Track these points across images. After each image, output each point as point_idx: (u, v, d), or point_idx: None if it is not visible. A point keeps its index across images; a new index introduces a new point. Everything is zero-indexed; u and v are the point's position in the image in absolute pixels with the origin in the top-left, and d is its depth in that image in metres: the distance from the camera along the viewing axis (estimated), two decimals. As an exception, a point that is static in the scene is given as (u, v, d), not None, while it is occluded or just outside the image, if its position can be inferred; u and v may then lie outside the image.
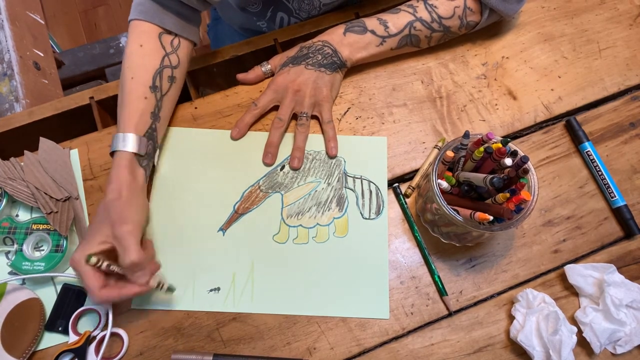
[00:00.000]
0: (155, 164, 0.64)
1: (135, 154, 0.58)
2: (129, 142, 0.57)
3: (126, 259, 0.51)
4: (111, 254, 0.53)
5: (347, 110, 0.70)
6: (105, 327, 0.56)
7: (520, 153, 0.53)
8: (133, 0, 0.62)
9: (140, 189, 0.58)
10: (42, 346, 0.57)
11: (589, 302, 0.59)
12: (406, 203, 0.64)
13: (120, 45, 1.48)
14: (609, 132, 0.69)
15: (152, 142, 0.61)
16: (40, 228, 0.60)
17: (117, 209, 0.54)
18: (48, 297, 0.59)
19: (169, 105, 0.64)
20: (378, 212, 0.64)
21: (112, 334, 0.57)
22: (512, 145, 0.54)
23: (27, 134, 0.70)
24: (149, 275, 0.54)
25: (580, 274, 0.59)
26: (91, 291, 0.52)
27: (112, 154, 0.58)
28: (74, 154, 0.67)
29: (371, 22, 0.68)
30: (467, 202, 0.56)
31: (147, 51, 0.61)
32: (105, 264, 0.52)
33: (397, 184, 0.66)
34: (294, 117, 0.68)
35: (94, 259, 0.51)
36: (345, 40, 0.67)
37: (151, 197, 0.64)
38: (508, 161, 0.52)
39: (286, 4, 0.78)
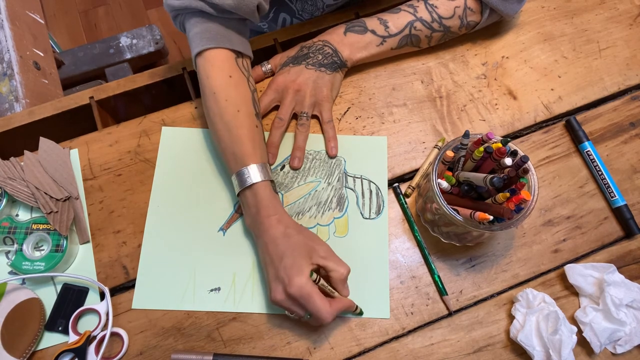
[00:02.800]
0: None
1: (270, 181, 0.58)
2: (265, 172, 0.57)
3: (344, 271, 0.54)
4: None
5: (347, 110, 0.70)
6: (105, 327, 0.56)
7: (520, 153, 0.53)
8: (191, 32, 0.59)
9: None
10: (42, 346, 0.57)
11: (589, 301, 0.59)
12: (406, 203, 0.64)
13: (120, 45, 1.48)
14: (609, 132, 0.69)
15: (270, 168, 0.61)
16: (40, 228, 0.60)
17: (303, 232, 0.55)
18: (48, 297, 0.59)
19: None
20: (378, 212, 0.64)
21: (112, 334, 0.57)
22: (512, 145, 0.54)
23: (27, 133, 0.70)
24: (348, 288, 0.56)
25: (580, 274, 0.59)
26: (324, 309, 0.51)
27: (245, 190, 0.57)
28: (74, 153, 0.67)
29: (371, 22, 0.68)
30: (467, 202, 0.56)
31: (237, 80, 0.59)
32: (320, 280, 0.53)
33: (397, 184, 0.66)
34: (294, 116, 0.68)
35: (314, 275, 0.52)
36: (346, 40, 0.67)
37: (151, 197, 0.64)
38: (508, 161, 0.52)
39: (289, 4, 0.78)
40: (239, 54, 0.61)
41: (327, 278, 0.55)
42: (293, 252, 0.53)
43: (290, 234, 0.54)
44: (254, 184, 0.56)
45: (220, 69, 0.59)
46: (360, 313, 0.59)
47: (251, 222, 0.58)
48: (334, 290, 0.55)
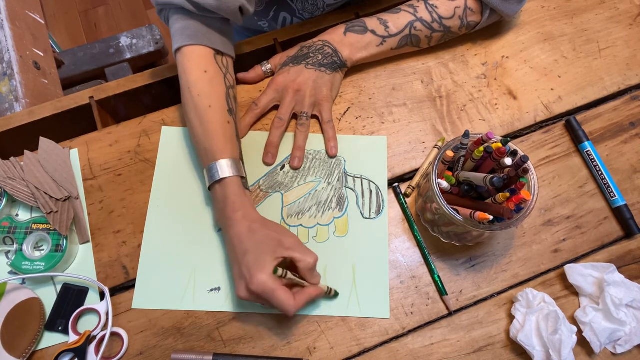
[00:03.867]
0: None
1: (240, 177, 0.58)
2: (232, 168, 0.57)
3: (311, 260, 0.54)
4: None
5: (347, 110, 0.70)
6: (105, 326, 0.56)
7: (520, 153, 0.53)
8: (173, 27, 0.60)
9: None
10: (42, 346, 0.57)
11: (589, 301, 0.59)
12: (406, 203, 0.64)
13: (120, 45, 1.48)
14: (609, 132, 0.69)
15: (243, 164, 0.61)
16: (40, 228, 0.60)
17: (268, 226, 0.55)
18: (48, 297, 0.59)
19: (238, 123, 0.64)
20: (378, 212, 0.64)
21: (112, 334, 0.57)
22: (512, 145, 0.54)
23: (27, 133, 0.70)
24: (319, 275, 0.57)
25: (580, 274, 0.59)
26: (287, 303, 0.51)
27: (214, 184, 0.57)
28: (74, 153, 0.67)
29: (372, 22, 0.68)
30: (467, 202, 0.56)
31: (212, 76, 0.60)
32: (287, 274, 0.53)
33: (397, 184, 0.66)
34: (294, 116, 0.68)
35: (280, 271, 0.52)
36: (346, 40, 0.67)
37: (151, 197, 0.64)
38: (508, 161, 0.52)
39: (290, 4, 0.78)
40: (218, 52, 0.62)
41: (296, 269, 0.55)
42: (256, 248, 0.53)
43: (255, 229, 0.54)
44: (222, 179, 0.57)
45: (196, 64, 0.60)
46: (336, 295, 0.59)
47: (219, 217, 0.59)
48: (303, 281, 0.55)
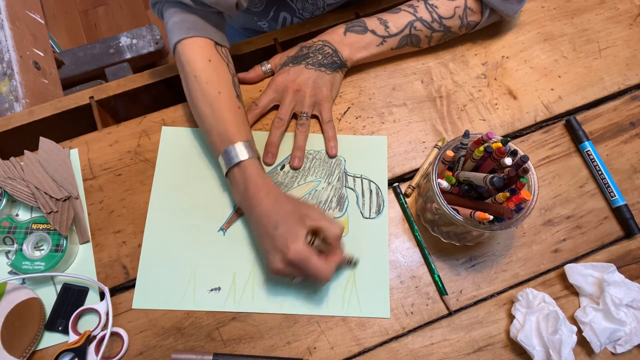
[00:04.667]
0: None
1: (257, 158, 0.59)
2: (251, 149, 0.58)
3: (337, 229, 0.55)
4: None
5: (347, 110, 0.70)
6: (105, 326, 0.56)
7: (520, 152, 0.53)
8: (170, 21, 0.61)
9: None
10: (42, 346, 0.57)
11: (589, 301, 0.59)
12: (406, 203, 0.64)
13: (120, 45, 1.48)
14: (609, 132, 0.69)
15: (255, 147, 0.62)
16: (40, 228, 0.60)
17: (292, 201, 0.57)
18: (48, 296, 0.59)
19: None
20: (378, 212, 0.64)
21: (112, 334, 0.57)
22: (512, 145, 0.54)
23: (27, 133, 0.70)
24: (343, 243, 0.58)
25: (580, 274, 0.59)
26: (324, 269, 0.53)
27: (232, 168, 0.58)
28: (74, 153, 0.67)
29: (371, 22, 0.68)
30: (467, 202, 0.56)
31: (217, 64, 0.61)
32: (315, 240, 0.55)
33: (397, 184, 0.66)
34: (294, 116, 0.68)
35: (309, 237, 0.54)
36: (346, 40, 0.67)
37: (151, 197, 0.64)
38: (508, 161, 0.52)
39: (290, 3, 0.78)
40: (217, 43, 0.63)
41: (322, 239, 0.56)
42: (286, 220, 0.54)
43: (281, 202, 0.56)
44: (241, 161, 0.57)
45: (199, 54, 0.60)
46: (356, 264, 0.60)
47: (240, 199, 0.59)
48: (328, 248, 0.57)
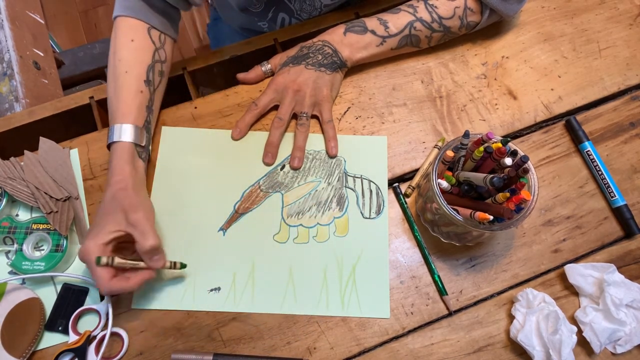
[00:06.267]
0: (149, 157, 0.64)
1: (135, 145, 0.58)
2: (129, 133, 0.58)
3: (146, 244, 0.52)
4: (119, 244, 0.54)
5: (347, 110, 0.70)
6: (105, 326, 0.56)
7: (520, 153, 0.53)
8: None
9: (142, 180, 0.59)
10: (42, 346, 0.57)
11: (589, 301, 0.59)
12: (406, 203, 0.64)
13: (120, 45, 1.48)
14: (609, 132, 0.69)
15: (148, 135, 0.62)
16: (40, 228, 0.60)
17: (128, 197, 0.54)
18: (48, 297, 0.59)
19: (159, 98, 0.66)
20: (378, 212, 0.64)
21: (112, 334, 0.57)
22: (512, 145, 0.54)
23: (27, 133, 0.70)
24: (164, 258, 0.55)
25: (580, 274, 0.59)
26: (100, 282, 0.51)
27: (110, 146, 0.58)
28: (74, 153, 0.67)
29: (371, 22, 0.68)
30: (467, 202, 0.56)
31: (138, 46, 0.62)
32: (115, 261, 0.52)
33: (397, 184, 0.66)
34: (294, 116, 0.68)
35: (104, 260, 0.51)
36: (346, 40, 0.67)
37: (151, 197, 0.64)
38: (508, 161, 0.52)
39: (288, 4, 0.78)
40: (154, 27, 0.64)
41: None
42: (101, 218, 0.54)
43: (115, 197, 0.54)
44: (116, 142, 0.58)
45: (124, 33, 0.62)
46: (183, 266, 0.58)
47: (107, 175, 0.59)
48: (138, 263, 0.54)
